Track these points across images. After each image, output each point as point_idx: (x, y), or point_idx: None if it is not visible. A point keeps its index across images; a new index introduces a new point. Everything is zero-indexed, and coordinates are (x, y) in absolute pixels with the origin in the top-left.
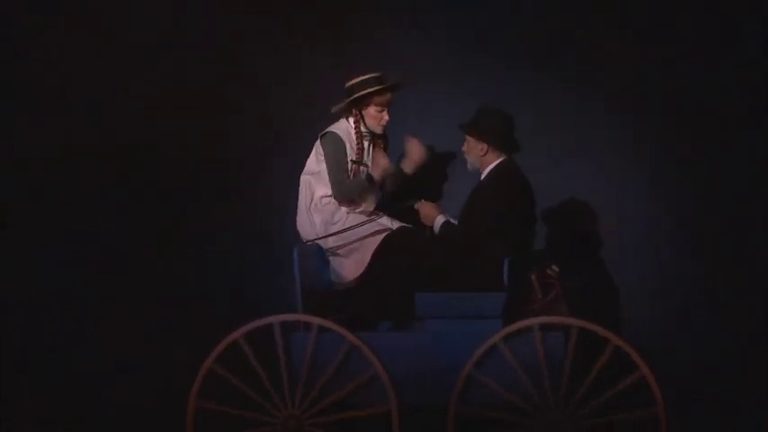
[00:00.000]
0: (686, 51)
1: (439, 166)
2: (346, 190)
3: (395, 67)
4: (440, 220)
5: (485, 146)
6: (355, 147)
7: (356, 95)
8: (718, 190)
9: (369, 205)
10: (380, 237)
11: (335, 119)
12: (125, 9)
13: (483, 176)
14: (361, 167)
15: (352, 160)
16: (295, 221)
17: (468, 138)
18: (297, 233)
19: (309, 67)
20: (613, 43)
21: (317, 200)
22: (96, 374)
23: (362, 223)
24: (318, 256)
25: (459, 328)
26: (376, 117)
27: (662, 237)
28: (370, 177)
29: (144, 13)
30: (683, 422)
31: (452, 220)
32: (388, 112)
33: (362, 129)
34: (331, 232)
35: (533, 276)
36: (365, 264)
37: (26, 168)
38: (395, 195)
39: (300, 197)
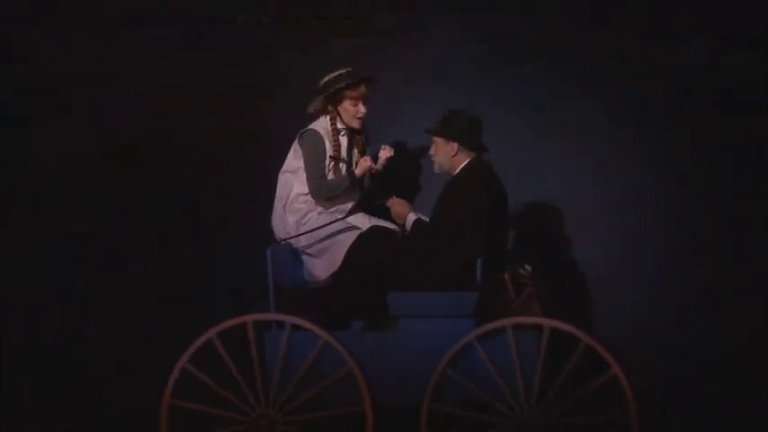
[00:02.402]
0: (686, 51)
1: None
2: (324, 189)
3: (395, 68)
4: (411, 217)
5: (455, 146)
6: (332, 143)
7: (329, 91)
8: (717, 190)
9: (343, 205)
10: (353, 235)
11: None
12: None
13: (453, 175)
14: (341, 164)
15: (330, 156)
16: None
17: (436, 140)
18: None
19: (309, 66)
20: (612, 42)
21: (293, 198)
22: (96, 374)
23: (330, 223)
24: (292, 254)
25: (432, 327)
26: (351, 111)
27: (661, 237)
28: (351, 175)
29: (145, 12)
30: (683, 422)
31: (423, 218)
32: (363, 104)
33: (339, 125)
34: (301, 232)
35: (506, 276)
36: (338, 263)
37: (26, 169)
38: (367, 194)
39: (277, 194)
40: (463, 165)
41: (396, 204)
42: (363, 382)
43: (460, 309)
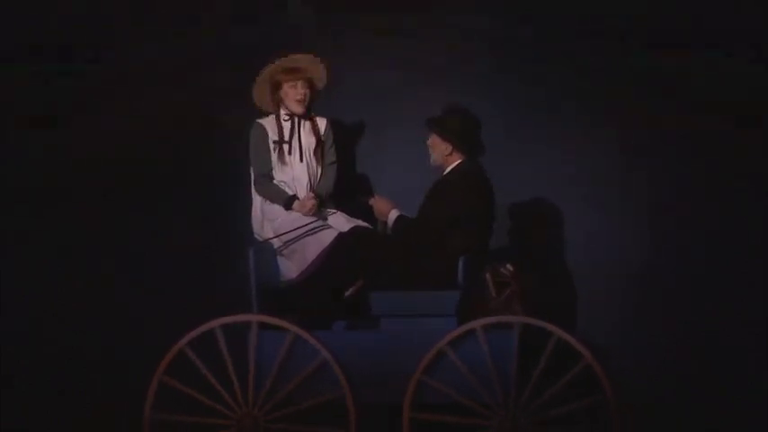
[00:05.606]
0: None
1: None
2: (262, 190)
3: (391, 67)
4: (394, 214)
5: (449, 146)
6: (276, 129)
7: (262, 76)
8: (705, 190)
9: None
10: (325, 235)
11: None
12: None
13: (445, 173)
14: (285, 147)
15: (274, 141)
16: None
17: (433, 135)
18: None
19: None
20: (602, 44)
21: None
22: (96, 374)
23: (308, 224)
24: (274, 254)
25: (415, 326)
26: (290, 94)
27: (647, 237)
28: (288, 203)
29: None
30: (669, 423)
31: (406, 215)
32: (304, 87)
33: (283, 111)
34: (269, 230)
35: (487, 275)
36: (307, 263)
37: (26, 171)
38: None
39: (255, 195)
40: (454, 165)
41: (379, 202)
42: (345, 381)
43: (443, 308)
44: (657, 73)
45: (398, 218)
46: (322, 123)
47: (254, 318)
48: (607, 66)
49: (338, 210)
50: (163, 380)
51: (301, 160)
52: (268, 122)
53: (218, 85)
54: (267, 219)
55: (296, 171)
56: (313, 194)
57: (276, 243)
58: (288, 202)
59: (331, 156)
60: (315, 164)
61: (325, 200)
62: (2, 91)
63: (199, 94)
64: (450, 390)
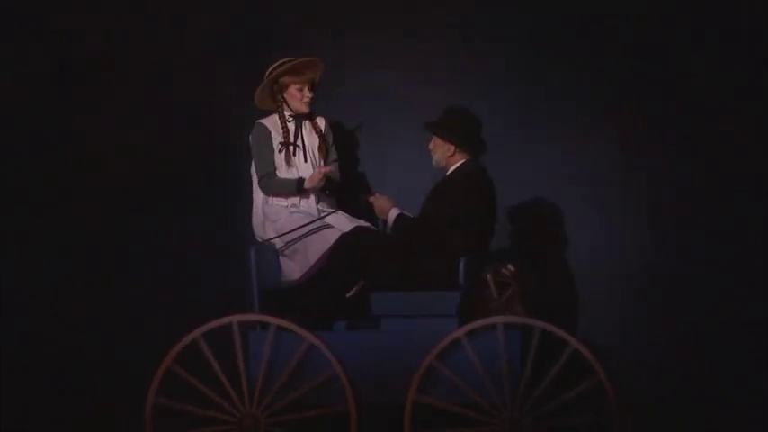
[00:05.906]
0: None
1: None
2: (269, 186)
3: (396, 70)
4: (394, 212)
5: (452, 147)
6: (281, 131)
7: (268, 77)
8: (703, 190)
9: (308, 203)
10: (328, 235)
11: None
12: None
13: (448, 173)
14: (291, 148)
15: (280, 142)
16: None
17: (434, 137)
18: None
19: None
20: (607, 36)
21: (271, 199)
22: (96, 374)
23: (309, 223)
24: (275, 254)
25: (415, 326)
26: (297, 96)
27: (647, 237)
28: (299, 184)
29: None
30: (683, 422)
31: (407, 214)
32: (310, 89)
33: (286, 113)
34: (270, 231)
35: (488, 275)
36: (310, 263)
37: (26, 171)
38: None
39: (256, 196)
40: (457, 165)
41: (379, 200)
42: (347, 381)
43: (443, 308)
44: (657, 73)
45: (398, 216)
46: (321, 122)
47: (271, 319)
48: (607, 66)
49: (339, 210)
50: (170, 367)
51: (306, 160)
52: (270, 123)
53: (218, 85)
54: (269, 220)
55: (301, 171)
56: (320, 168)
57: (278, 243)
58: (298, 185)
59: (333, 154)
60: (319, 163)
61: (333, 180)
62: (2, 91)
63: (199, 94)
64: (451, 390)
